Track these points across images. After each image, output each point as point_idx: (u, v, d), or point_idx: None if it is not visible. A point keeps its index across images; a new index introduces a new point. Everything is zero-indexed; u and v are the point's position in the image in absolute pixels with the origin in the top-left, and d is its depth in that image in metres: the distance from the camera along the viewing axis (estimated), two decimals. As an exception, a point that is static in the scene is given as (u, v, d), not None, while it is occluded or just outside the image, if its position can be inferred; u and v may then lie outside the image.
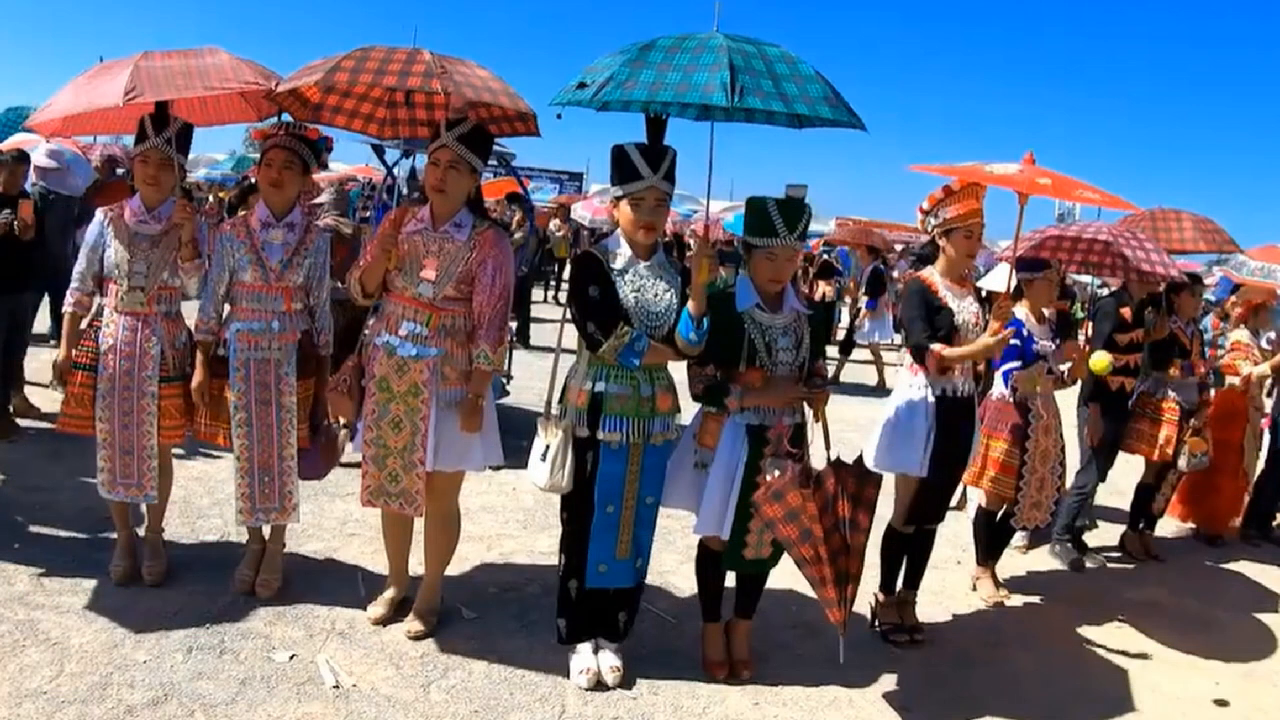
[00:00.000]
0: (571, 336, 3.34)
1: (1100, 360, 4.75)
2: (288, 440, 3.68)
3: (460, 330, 3.43)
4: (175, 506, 4.33)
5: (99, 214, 3.76)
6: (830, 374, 6.35)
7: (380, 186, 7.56)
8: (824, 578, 3.08)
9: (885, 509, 3.66)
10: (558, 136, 37.01)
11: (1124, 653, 4.18)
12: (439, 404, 3.39)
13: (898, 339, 7.05)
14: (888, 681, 3.66)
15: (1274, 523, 6.26)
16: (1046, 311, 4.65)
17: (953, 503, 4.45)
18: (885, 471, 3.66)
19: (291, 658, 3.36)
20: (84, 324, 3.77)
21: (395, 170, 6.74)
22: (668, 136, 3.33)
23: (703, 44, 3.10)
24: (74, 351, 3.70)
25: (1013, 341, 3.99)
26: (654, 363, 3.29)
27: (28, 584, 3.72)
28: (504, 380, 6.49)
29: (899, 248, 17.57)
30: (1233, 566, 5.63)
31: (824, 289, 11.33)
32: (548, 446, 3.25)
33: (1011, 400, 4.46)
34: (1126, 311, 5.23)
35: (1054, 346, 4.49)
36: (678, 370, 3.33)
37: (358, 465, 3.56)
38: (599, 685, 3.36)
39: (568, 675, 3.39)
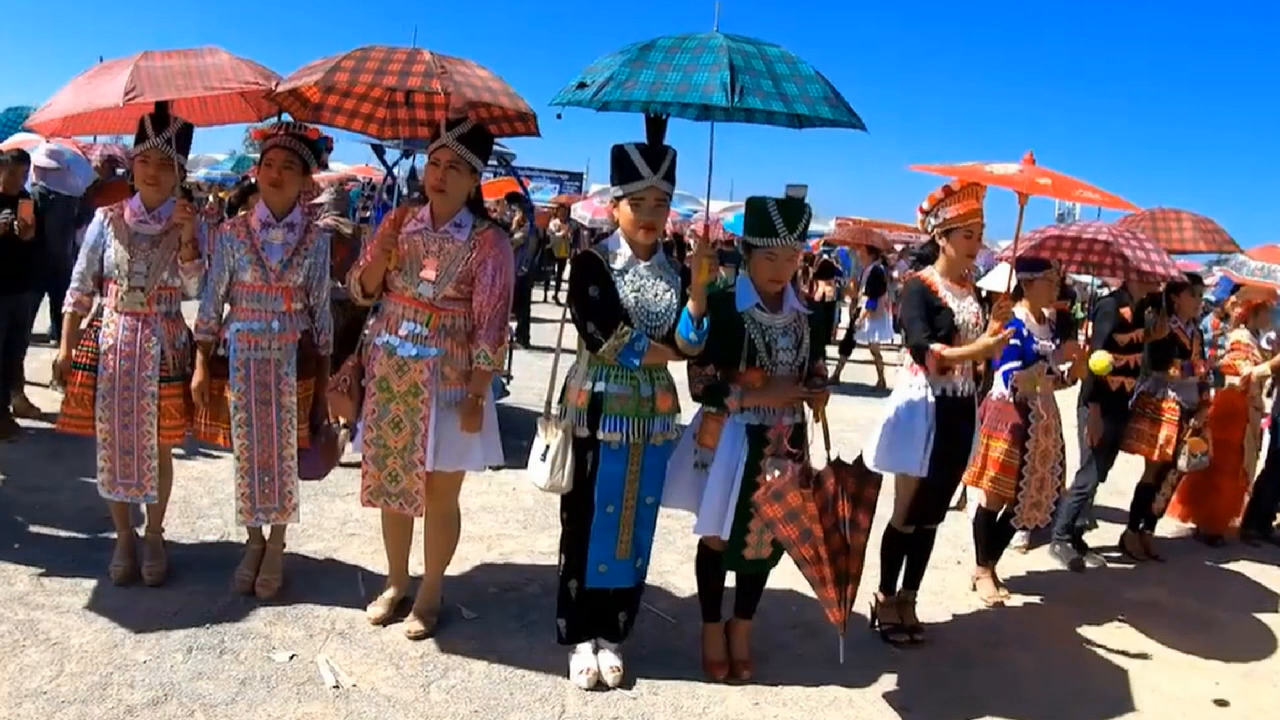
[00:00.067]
0: (571, 336, 3.34)
1: (1100, 360, 4.75)
2: (288, 440, 3.68)
3: (460, 330, 3.43)
4: (175, 506, 4.33)
5: (99, 214, 3.76)
6: (830, 374, 6.35)
7: (380, 186, 7.55)
8: (824, 578, 3.08)
9: (885, 509, 3.66)
10: (558, 136, 37.05)
11: (1124, 653, 4.18)
12: (439, 404, 3.39)
13: (898, 339, 7.05)
14: (888, 681, 3.66)
15: (1274, 523, 6.26)
16: (1046, 311, 4.64)
17: (953, 503, 4.45)
18: (885, 471, 3.65)
19: (291, 658, 3.36)
20: (84, 324, 3.77)
21: (395, 170, 6.74)
22: (668, 136, 3.33)
23: (703, 44, 3.10)
24: (74, 351, 3.70)
25: (1013, 341, 3.99)
26: (654, 363, 3.29)
27: (28, 584, 3.72)
28: (504, 380, 6.48)
29: (899, 248, 17.57)
30: (1233, 566, 5.63)
31: (824, 289, 11.33)
32: (548, 446, 3.25)
33: (1011, 400, 4.46)
34: (1126, 311, 5.23)
35: (1054, 346, 4.49)
36: (678, 370, 3.33)
37: (358, 465, 3.57)
38: (599, 685, 3.36)
39: (568, 675, 3.39)
